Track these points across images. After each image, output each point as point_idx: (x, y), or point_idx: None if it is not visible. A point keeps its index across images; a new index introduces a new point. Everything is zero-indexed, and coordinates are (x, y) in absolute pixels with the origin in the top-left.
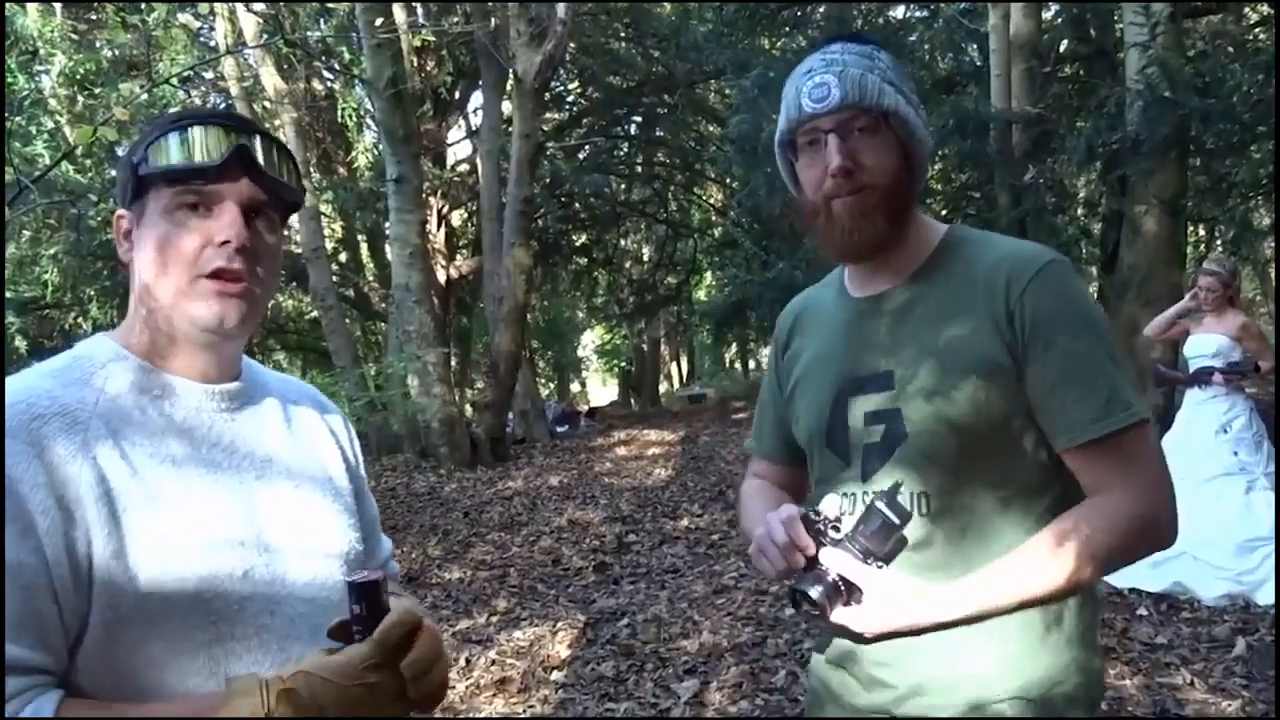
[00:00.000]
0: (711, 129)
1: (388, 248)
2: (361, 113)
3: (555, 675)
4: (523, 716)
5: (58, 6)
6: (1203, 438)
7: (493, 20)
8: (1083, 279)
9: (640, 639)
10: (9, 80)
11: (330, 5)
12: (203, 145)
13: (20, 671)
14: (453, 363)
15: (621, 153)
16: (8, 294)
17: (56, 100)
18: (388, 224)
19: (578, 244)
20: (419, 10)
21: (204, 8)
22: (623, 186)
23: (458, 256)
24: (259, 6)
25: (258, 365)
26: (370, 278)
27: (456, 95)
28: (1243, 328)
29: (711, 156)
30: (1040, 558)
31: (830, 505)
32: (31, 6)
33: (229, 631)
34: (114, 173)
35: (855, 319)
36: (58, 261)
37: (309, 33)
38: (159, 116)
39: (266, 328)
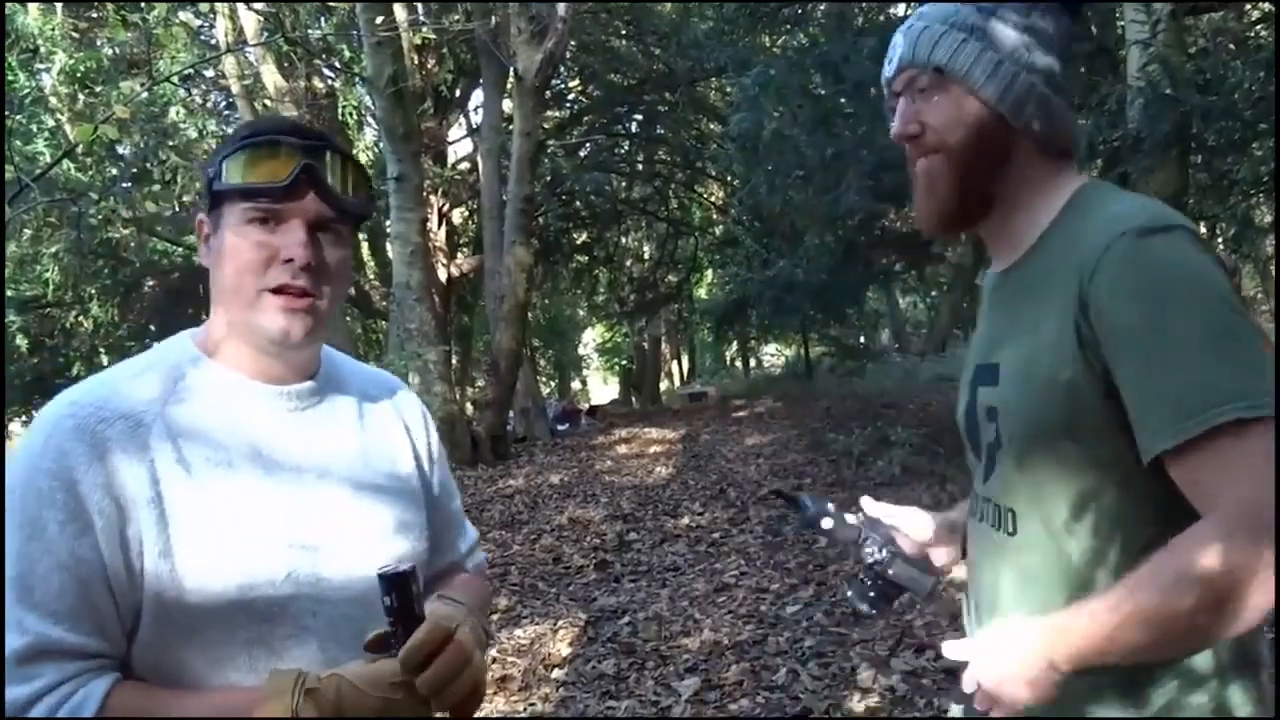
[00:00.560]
0: (712, 127)
1: (388, 246)
2: (362, 111)
3: (556, 673)
4: (523, 715)
5: (58, 5)
6: None
7: (493, 18)
8: (1198, 245)
9: (641, 637)
10: (10, 78)
11: (331, 3)
12: (271, 165)
13: (79, 656)
14: (453, 361)
15: (622, 151)
16: (8, 292)
17: (57, 98)
18: (388, 222)
19: (578, 242)
20: (419, 8)
21: (204, 6)
22: (623, 184)
23: (458, 255)
24: (259, 5)
25: (341, 358)
26: (371, 276)
27: (457, 93)
28: None
29: (712, 154)
30: (1087, 616)
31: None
32: (32, 5)
33: (270, 631)
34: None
35: (989, 296)
36: (58, 260)
37: (309, 31)
38: (236, 128)
39: None
